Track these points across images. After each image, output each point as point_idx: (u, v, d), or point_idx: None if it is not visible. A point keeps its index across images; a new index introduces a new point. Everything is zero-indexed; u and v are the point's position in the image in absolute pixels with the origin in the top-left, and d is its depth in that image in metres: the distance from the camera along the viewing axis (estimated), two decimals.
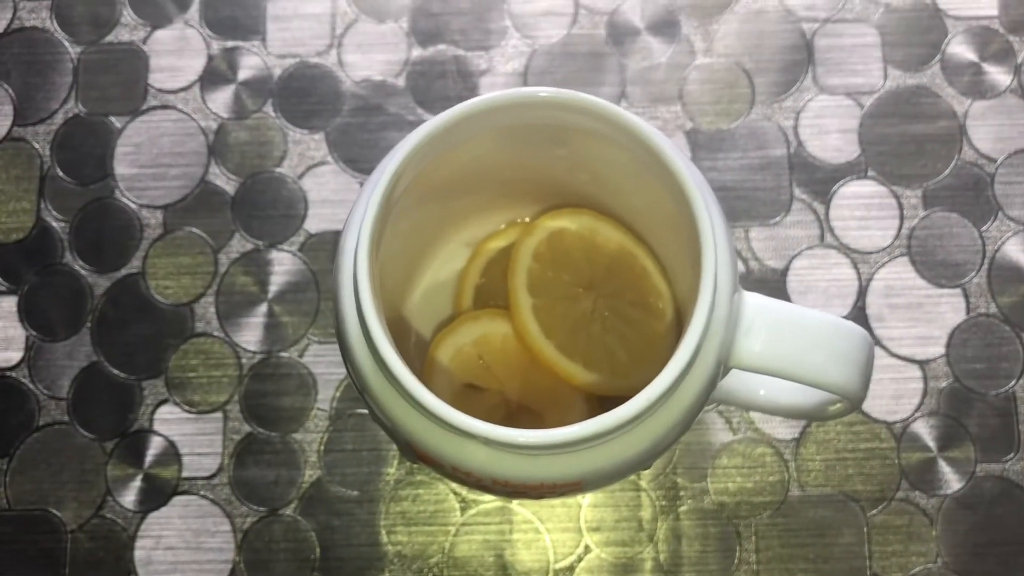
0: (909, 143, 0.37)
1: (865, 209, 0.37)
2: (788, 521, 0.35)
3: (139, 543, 0.35)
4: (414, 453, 0.24)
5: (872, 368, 0.26)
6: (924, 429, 0.35)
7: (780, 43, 0.38)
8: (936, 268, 0.36)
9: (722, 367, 0.24)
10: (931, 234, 0.37)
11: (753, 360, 0.24)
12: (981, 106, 0.38)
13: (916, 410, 0.35)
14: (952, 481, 0.35)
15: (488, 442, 0.22)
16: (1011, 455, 0.35)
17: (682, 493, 0.35)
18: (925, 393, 0.35)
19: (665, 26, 0.39)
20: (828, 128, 0.38)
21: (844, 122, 0.38)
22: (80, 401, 0.36)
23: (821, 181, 0.37)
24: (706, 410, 0.36)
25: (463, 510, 0.35)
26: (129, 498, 0.35)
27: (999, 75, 0.38)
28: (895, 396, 0.36)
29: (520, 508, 0.35)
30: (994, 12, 0.38)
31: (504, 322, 0.32)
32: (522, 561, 0.34)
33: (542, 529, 0.35)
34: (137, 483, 0.35)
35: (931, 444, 0.35)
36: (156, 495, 0.35)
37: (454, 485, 0.35)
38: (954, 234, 0.37)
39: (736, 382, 0.31)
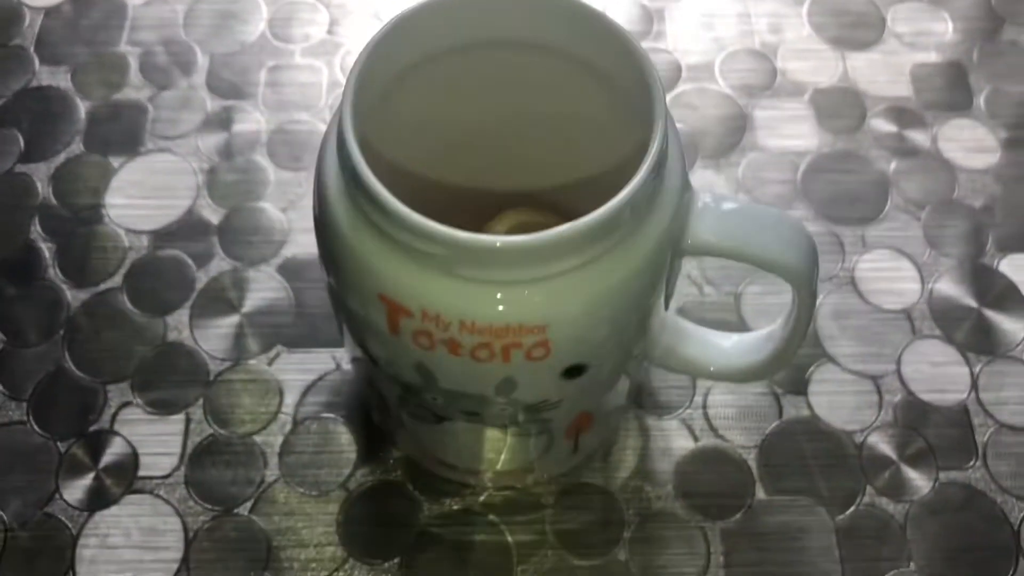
0: (845, 193, 0.40)
1: None
2: (756, 525, 0.33)
3: (82, 541, 0.32)
4: (384, 311, 0.24)
5: (816, 258, 0.26)
6: (883, 439, 0.35)
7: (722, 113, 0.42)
8: (881, 296, 0.38)
9: (674, 249, 0.25)
10: (873, 267, 0.39)
11: (705, 238, 0.25)
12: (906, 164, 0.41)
13: (874, 421, 0.35)
14: (917, 488, 0.34)
15: (452, 252, 0.22)
16: (972, 462, 0.35)
17: (648, 497, 0.33)
18: (881, 406, 0.36)
19: None
20: (768, 179, 0.41)
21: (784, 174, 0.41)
22: (41, 403, 0.35)
23: None
24: (668, 417, 0.35)
25: (426, 513, 0.33)
26: (77, 496, 0.33)
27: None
28: (854, 408, 0.35)
29: (484, 511, 0.33)
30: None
31: None
32: (485, 567, 0.32)
33: (507, 533, 0.33)
34: (88, 482, 0.33)
35: (892, 453, 0.35)
36: (107, 494, 0.33)
37: (416, 489, 0.33)
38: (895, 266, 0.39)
39: (691, 349, 0.31)
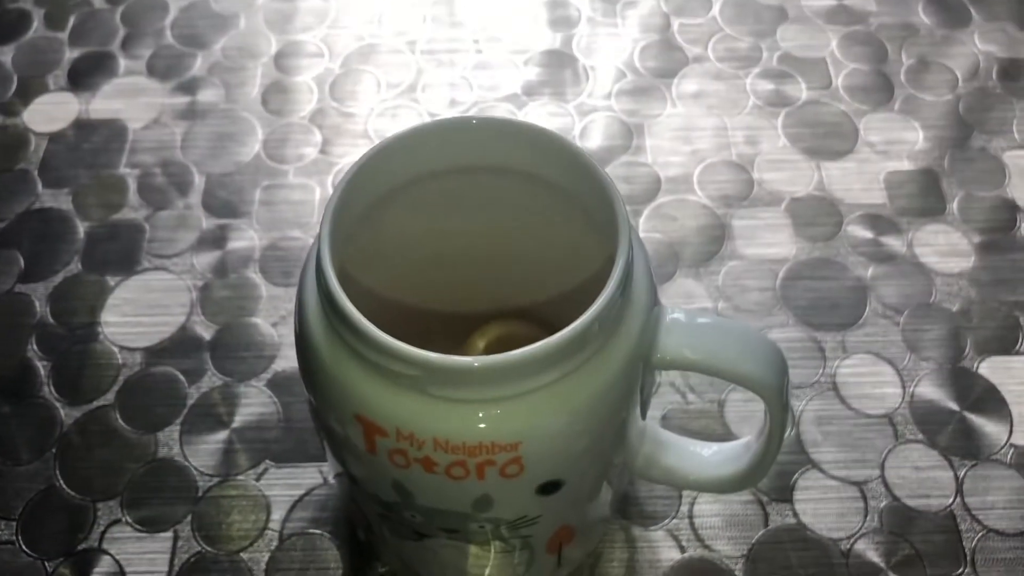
0: (824, 300, 0.41)
1: (788, 352, 0.39)
2: None
3: None
4: (361, 431, 0.24)
5: (786, 371, 0.27)
6: (870, 546, 0.35)
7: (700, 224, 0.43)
8: (863, 401, 0.38)
9: (645, 364, 0.26)
10: (854, 372, 0.39)
11: (673, 354, 0.25)
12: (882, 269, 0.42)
13: (860, 527, 0.35)
14: None
15: (426, 374, 0.22)
16: (961, 569, 0.34)
17: None
18: (867, 512, 0.35)
19: None
20: (748, 287, 0.41)
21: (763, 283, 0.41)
22: (31, 522, 0.35)
23: None
24: (654, 527, 0.35)
25: None
26: None
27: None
28: (839, 514, 0.35)
29: None
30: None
31: None
32: None
33: None
34: None
35: (879, 561, 0.34)
36: None
37: None
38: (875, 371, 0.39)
39: (670, 459, 0.31)
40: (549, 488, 0.25)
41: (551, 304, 0.31)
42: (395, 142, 0.26)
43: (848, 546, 0.34)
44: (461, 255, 0.30)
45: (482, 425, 0.23)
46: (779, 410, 0.27)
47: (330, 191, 0.44)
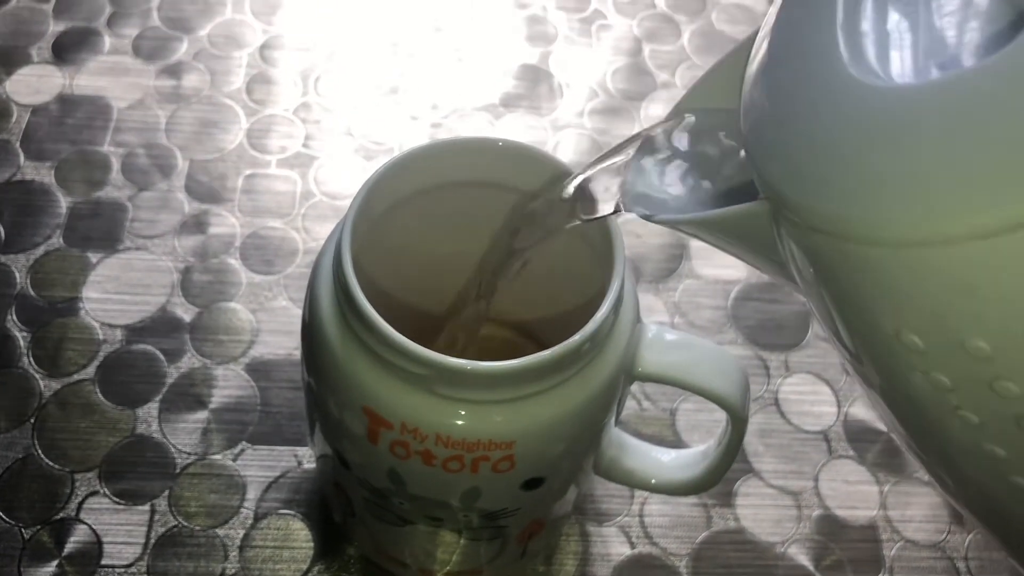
0: (771, 321, 0.44)
1: None
2: None
3: None
4: (366, 423, 0.26)
5: (749, 390, 0.30)
6: (802, 550, 0.38)
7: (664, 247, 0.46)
8: (801, 417, 0.41)
9: (626, 375, 0.28)
10: (795, 390, 0.42)
11: (652, 367, 0.28)
12: None
13: (794, 533, 0.38)
14: None
15: (439, 375, 0.25)
16: (880, 574, 0.38)
17: None
18: (800, 519, 0.39)
19: None
20: (702, 305, 0.44)
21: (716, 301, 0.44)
22: (8, 489, 0.36)
23: None
24: (607, 524, 0.38)
25: None
26: None
27: None
28: (776, 520, 0.39)
29: None
30: None
31: None
32: None
33: None
34: (51, 569, 0.34)
35: (809, 564, 0.38)
36: None
37: None
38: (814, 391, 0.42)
39: (632, 462, 0.34)
40: (532, 484, 0.28)
41: (540, 315, 0.33)
42: (424, 150, 0.28)
43: (783, 549, 0.38)
44: (457, 261, 0.33)
45: (483, 425, 0.26)
46: (739, 423, 0.29)
47: (311, 184, 0.45)
